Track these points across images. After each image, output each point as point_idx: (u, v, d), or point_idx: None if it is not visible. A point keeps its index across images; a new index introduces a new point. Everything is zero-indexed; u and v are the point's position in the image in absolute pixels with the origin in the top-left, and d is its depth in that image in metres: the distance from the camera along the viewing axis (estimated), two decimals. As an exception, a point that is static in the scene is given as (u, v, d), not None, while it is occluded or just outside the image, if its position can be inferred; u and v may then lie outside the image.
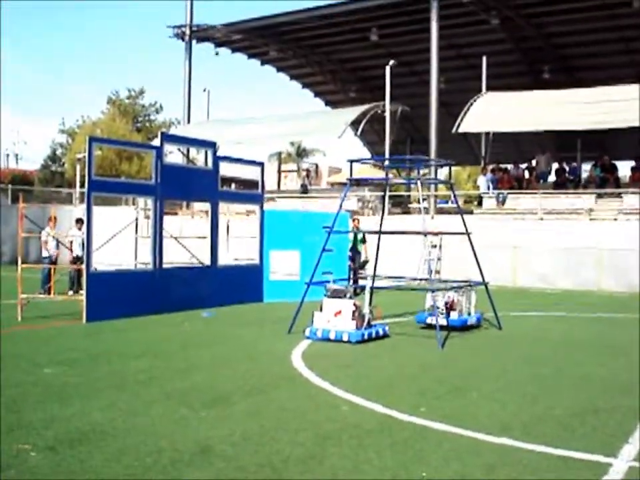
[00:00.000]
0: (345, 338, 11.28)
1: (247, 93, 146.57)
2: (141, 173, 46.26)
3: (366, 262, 19.91)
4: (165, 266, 15.30)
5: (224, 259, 17.50)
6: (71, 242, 18.48)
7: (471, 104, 27.80)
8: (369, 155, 42.63)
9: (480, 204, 28.74)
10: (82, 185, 29.28)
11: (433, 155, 27.84)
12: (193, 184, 16.17)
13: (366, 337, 11.40)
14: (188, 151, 27.49)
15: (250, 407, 7.04)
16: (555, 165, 30.36)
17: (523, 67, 36.00)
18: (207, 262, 16.48)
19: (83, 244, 15.03)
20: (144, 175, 42.63)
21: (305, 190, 35.30)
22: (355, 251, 19.51)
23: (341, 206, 13.36)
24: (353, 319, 11.48)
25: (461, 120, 26.84)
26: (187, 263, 17.33)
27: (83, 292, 13.72)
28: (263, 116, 36.89)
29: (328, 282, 12.30)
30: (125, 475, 5.04)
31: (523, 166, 31.15)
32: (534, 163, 30.80)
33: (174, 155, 32.87)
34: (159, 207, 15.03)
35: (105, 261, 15.43)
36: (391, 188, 26.74)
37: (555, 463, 5.48)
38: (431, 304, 12.63)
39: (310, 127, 32.58)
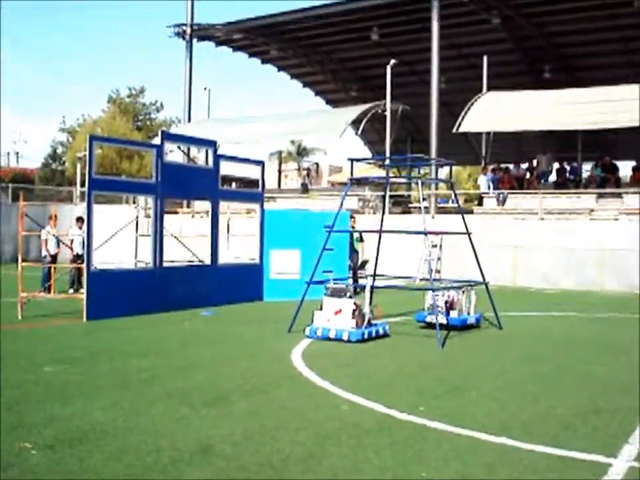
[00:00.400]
0: (345, 337, 11.28)
1: (248, 92, 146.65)
2: (141, 171, 46.30)
3: (366, 262, 19.92)
4: (165, 265, 15.30)
5: (224, 258, 17.51)
6: (72, 240, 18.48)
7: (472, 103, 27.79)
8: (369, 154, 42.66)
9: (480, 203, 28.75)
10: (82, 184, 29.25)
11: (433, 154, 27.82)
12: (194, 183, 16.18)
13: (366, 336, 11.40)
14: (188, 149, 27.48)
15: (250, 406, 7.05)
16: (556, 165, 30.37)
17: (524, 66, 35.99)
18: (207, 261, 16.49)
19: (84, 242, 15.03)
20: (144, 174, 42.68)
21: (305, 189, 35.33)
22: (352, 250, 19.50)
23: (341, 205, 13.37)
24: (353, 318, 11.49)
25: (462, 119, 26.83)
26: (187, 262, 17.34)
27: (84, 290, 13.73)
28: (264, 115, 36.90)
29: (328, 281, 12.30)
30: (125, 474, 5.05)
31: (524, 166, 31.15)
32: (535, 162, 30.80)
33: (174, 154, 32.91)
34: (160, 205, 15.03)
35: (105, 259, 15.43)
36: (392, 187, 26.73)
37: (555, 463, 5.49)
38: (430, 303, 12.64)
39: (310, 125, 32.58)
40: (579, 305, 17.96)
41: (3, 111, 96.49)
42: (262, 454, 5.55)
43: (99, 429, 6.13)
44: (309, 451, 5.67)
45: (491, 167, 30.56)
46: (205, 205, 23.58)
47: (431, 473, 5.23)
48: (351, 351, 10.64)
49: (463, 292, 13.05)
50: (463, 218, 13.83)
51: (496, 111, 27.62)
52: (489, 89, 30.09)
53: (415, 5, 30.53)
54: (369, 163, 30.95)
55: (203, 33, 36.83)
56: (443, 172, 36.75)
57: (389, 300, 16.03)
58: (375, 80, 37.47)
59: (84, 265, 13.91)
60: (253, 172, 28.38)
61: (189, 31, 36.56)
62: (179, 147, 20.57)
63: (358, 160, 15.16)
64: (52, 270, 17.01)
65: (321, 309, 11.82)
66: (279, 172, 47.64)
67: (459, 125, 26.72)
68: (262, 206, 18.17)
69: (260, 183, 18.45)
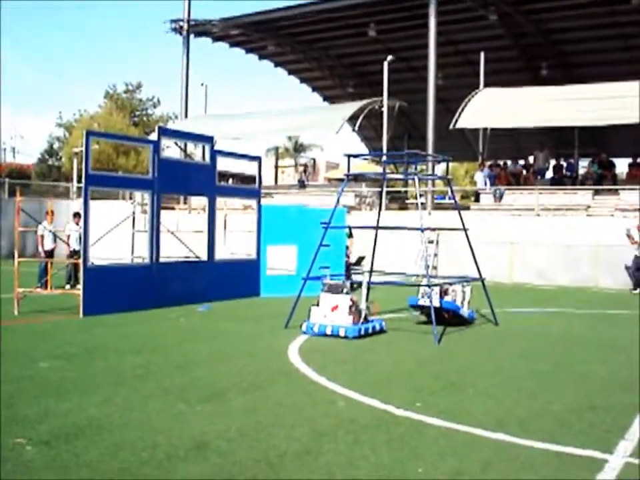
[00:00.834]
0: (342, 333, 11.28)
1: (245, 88, 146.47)
2: (138, 167, 46.23)
3: (362, 258, 19.90)
4: (161, 260, 15.29)
5: (221, 254, 17.49)
6: (68, 236, 18.44)
7: (469, 100, 27.80)
8: (366, 151, 42.63)
9: (477, 200, 28.77)
10: (79, 179, 29.26)
11: (430, 150, 27.85)
12: (190, 178, 16.16)
13: (362, 332, 11.40)
14: (185, 145, 27.49)
15: (246, 403, 7.04)
16: (553, 162, 30.40)
17: (521, 63, 35.99)
18: (204, 256, 16.47)
19: (80, 238, 15.00)
20: (141, 170, 42.62)
21: (302, 185, 35.32)
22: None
23: (338, 201, 13.35)
24: (349, 314, 11.48)
25: (459, 116, 26.84)
26: (183, 258, 17.33)
27: (80, 286, 13.71)
28: (261, 111, 36.88)
29: (325, 277, 12.29)
30: (121, 470, 5.04)
31: (521, 162, 31.18)
32: (531, 159, 30.81)
33: (171, 150, 32.89)
34: (156, 201, 15.00)
35: (102, 255, 15.41)
36: (388, 184, 26.72)
37: (551, 459, 5.49)
38: (424, 290, 12.52)
39: (307, 122, 32.57)
40: (575, 302, 17.99)
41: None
42: (258, 450, 5.54)
43: (94, 424, 6.12)
44: (305, 447, 5.66)
45: (487, 164, 30.58)
46: (201, 201, 23.56)
47: (427, 468, 5.22)
48: (347, 347, 10.63)
49: (459, 286, 13.02)
50: (460, 214, 13.83)
51: (493, 108, 27.63)
52: (486, 85, 30.10)
53: (412, 1, 30.51)
54: (366, 159, 30.98)
55: (200, 28, 36.78)
56: (440, 168, 36.83)
57: (386, 296, 16.03)
58: (372, 76, 37.44)
59: (80, 261, 13.89)
60: (249, 168, 28.43)
61: (186, 26, 36.53)
62: (175, 143, 20.60)
63: (355, 156, 15.17)
64: (48, 266, 16.97)
65: (318, 305, 11.82)
66: (276, 168, 47.63)
67: (456, 121, 26.73)
68: (259, 202, 18.16)
69: (257, 178, 18.44)
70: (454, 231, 13.83)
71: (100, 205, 19.25)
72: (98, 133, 32.72)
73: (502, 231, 23.74)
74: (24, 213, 15.19)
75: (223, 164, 21.62)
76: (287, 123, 32.82)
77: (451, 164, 39.40)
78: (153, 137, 15.44)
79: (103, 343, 10.44)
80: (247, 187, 24.20)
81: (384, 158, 17.68)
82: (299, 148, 66.14)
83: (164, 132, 16.89)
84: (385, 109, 30.25)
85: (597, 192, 25.81)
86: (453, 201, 15.53)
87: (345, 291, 11.74)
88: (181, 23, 36.64)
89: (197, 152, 36.46)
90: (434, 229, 14.12)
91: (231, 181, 44.49)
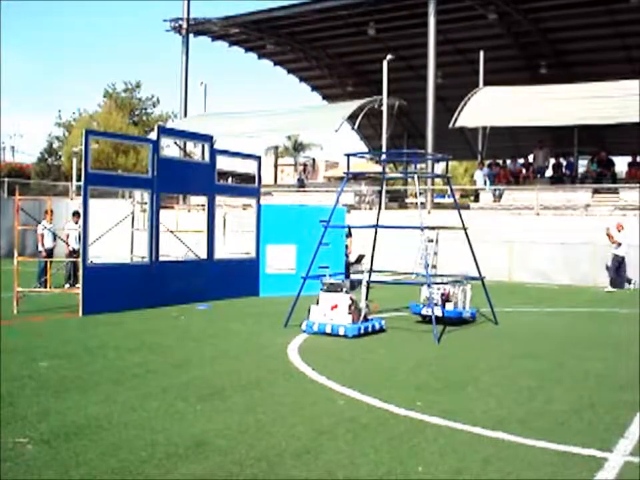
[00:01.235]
0: (341, 332, 11.28)
1: (244, 87, 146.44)
2: (137, 166, 46.16)
3: (362, 256, 19.89)
4: (161, 259, 15.28)
5: (220, 253, 17.48)
6: (68, 235, 18.44)
7: (468, 98, 27.79)
8: (365, 150, 42.63)
9: (477, 199, 28.77)
10: (78, 178, 29.24)
11: (429, 149, 27.85)
12: (190, 177, 16.15)
13: (362, 331, 11.40)
14: (185, 144, 27.47)
15: (246, 401, 7.04)
16: (552, 160, 30.39)
17: (520, 62, 35.97)
18: (204, 255, 16.46)
19: (80, 237, 15.00)
20: (140, 169, 42.55)
21: (301, 184, 35.31)
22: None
23: (337, 200, 13.35)
24: (349, 313, 11.48)
25: (458, 114, 26.83)
26: (183, 257, 17.32)
27: (79, 285, 13.70)
28: (260, 110, 36.85)
29: (324, 276, 12.29)
30: (120, 469, 5.03)
31: (521, 161, 31.18)
32: (531, 158, 30.81)
33: (171, 149, 32.88)
34: (156, 200, 14.99)
35: (101, 254, 15.41)
36: (388, 182, 26.72)
37: (551, 458, 5.49)
38: (426, 295, 12.62)
39: (307, 121, 32.58)
40: (574, 301, 17.99)
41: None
42: (257, 449, 5.54)
43: (94, 423, 6.12)
44: (305, 445, 5.66)
45: (487, 162, 30.58)
46: (201, 200, 23.55)
47: (427, 467, 5.22)
48: (347, 345, 10.63)
49: (459, 287, 13.06)
50: (459, 213, 13.83)
51: (492, 106, 27.61)
52: (485, 84, 30.09)
53: (411, 0, 30.48)
54: (365, 158, 30.97)
55: (199, 27, 36.76)
56: (439, 167, 36.78)
57: (385, 295, 16.03)
58: (371, 75, 37.45)
59: (80, 260, 13.88)
60: (249, 167, 28.43)
61: (185, 25, 36.51)
62: (175, 142, 20.57)
63: (354, 155, 15.16)
64: (48, 264, 16.97)
65: (318, 304, 11.81)
66: (275, 167, 47.67)
67: (455, 120, 26.72)
68: (258, 201, 18.15)
69: (256, 177, 18.43)
70: (454, 230, 13.82)
71: (99, 203, 19.24)
72: (97, 132, 32.69)
73: (501, 230, 23.73)
74: (23, 212, 15.19)
75: (223, 163, 21.62)
76: (286, 122, 32.82)
77: (450, 163, 39.48)
78: (153, 136, 15.45)
79: (102, 341, 10.43)
80: (246, 186, 24.20)
81: (383, 157, 17.69)
82: (298, 147, 66.17)
83: (163, 131, 16.88)
84: (384, 108, 30.23)
85: (596, 191, 25.81)
86: (452, 200, 15.53)
87: (344, 289, 11.74)
88: (181, 22, 36.62)
89: (196, 151, 36.44)
90: (433, 228, 14.10)
91: (230, 179, 44.49)
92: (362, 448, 5.62)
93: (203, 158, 21.91)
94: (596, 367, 9.21)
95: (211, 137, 17.53)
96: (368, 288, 12.17)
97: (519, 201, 25.89)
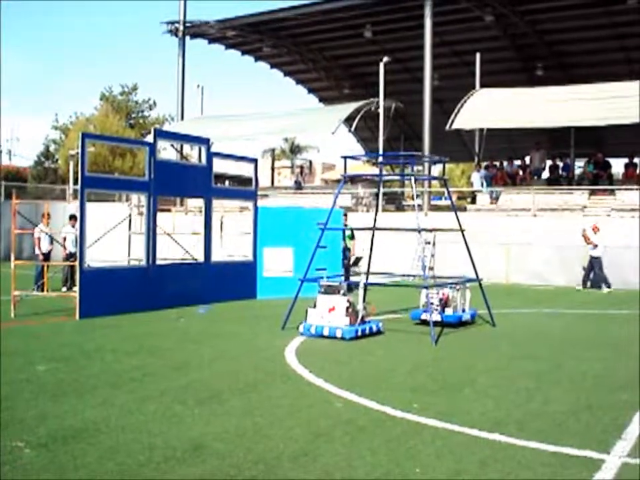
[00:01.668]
0: (339, 334, 11.28)
1: (241, 90, 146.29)
2: (134, 169, 46.14)
3: (359, 259, 19.91)
4: (158, 262, 15.27)
5: (217, 256, 17.48)
6: (65, 238, 18.42)
7: (465, 100, 27.82)
8: (362, 152, 42.64)
9: (474, 201, 28.79)
10: (75, 182, 29.21)
11: (426, 151, 27.87)
12: (187, 180, 16.14)
13: (359, 333, 11.40)
14: (181, 147, 27.49)
15: (244, 404, 7.04)
16: (549, 162, 30.41)
17: (517, 63, 36.05)
18: (201, 258, 16.46)
19: (77, 240, 14.99)
20: (137, 172, 42.54)
21: (298, 186, 35.31)
22: (344, 247, 19.49)
23: (334, 202, 13.36)
24: (346, 315, 11.49)
25: (455, 116, 26.85)
26: (180, 260, 17.31)
27: (77, 288, 13.69)
28: (257, 112, 36.85)
29: (322, 278, 12.29)
30: (118, 472, 5.04)
31: (517, 162, 31.20)
32: (527, 159, 30.83)
33: (167, 152, 32.87)
34: (152, 203, 14.99)
35: (98, 257, 15.40)
36: (385, 185, 26.74)
37: (549, 459, 5.49)
38: (425, 301, 12.64)
39: (304, 123, 32.56)
40: (571, 302, 18.01)
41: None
42: (255, 452, 5.54)
43: (91, 427, 6.12)
44: (303, 448, 5.67)
45: (484, 164, 30.59)
46: (198, 203, 23.55)
47: (424, 469, 5.23)
48: (344, 348, 10.63)
49: (458, 289, 13.07)
50: (456, 215, 13.84)
51: (489, 108, 27.65)
52: (482, 86, 30.12)
53: (408, 2, 30.53)
54: (362, 160, 30.96)
55: (195, 30, 36.76)
56: (436, 169, 36.80)
57: (383, 297, 16.04)
58: (368, 77, 37.49)
59: (77, 263, 13.87)
60: (246, 169, 28.40)
61: (181, 28, 36.49)
62: (171, 145, 20.57)
63: (351, 157, 15.16)
64: (45, 268, 16.95)
65: (315, 307, 11.82)
66: (272, 169, 47.64)
67: (452, 122, 26.74)
68: (255, 203, 18.15)
69: (253, 180, 18.43)
70: (451, 232, 13.83)
71: (96, 207, 19.24)
72: (94, 135, 32.64)
73: (498, 232, 23.74)
74: (20, 215, 15.17)
75: (219, 166, 21.61)
76: (283, 124, 32.81)
77: (447, 165, 39.46)
78: (149, 139, 15.44)
79: (99, 345, 10.42)
80: (243, 188, 24.20)
81: (380, 159, 17.67)
82: (295, 149, 66.13)
83: (160, 134, 16.86)
84: (381, 110, 30.26)
85: (593, 192, 25.85)
86: (449, 202, 15.54)
87: (341, 292, 11.75)
88: (177, 25, 36.61)
89: (193, 154, 36.41)
90: (431, 230, 14.12)
91: (227, 182, 44.49)
92: (359, 450, 5.62)
93: (200, 161, 21.89)
94: (593, 368, 9.22)
95: (208, 140, 17.53)
96: (365, 290, 12.18)
97: (516, 203, 25.95)
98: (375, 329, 11.83)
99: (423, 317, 12.76)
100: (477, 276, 13.40)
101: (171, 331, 12.11)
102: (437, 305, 12.68)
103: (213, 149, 19.15)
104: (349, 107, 31.75)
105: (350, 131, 38.73)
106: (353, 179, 30.24)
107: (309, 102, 44.69)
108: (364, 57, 36.97)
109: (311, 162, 65.57)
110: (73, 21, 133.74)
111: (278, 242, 17.80)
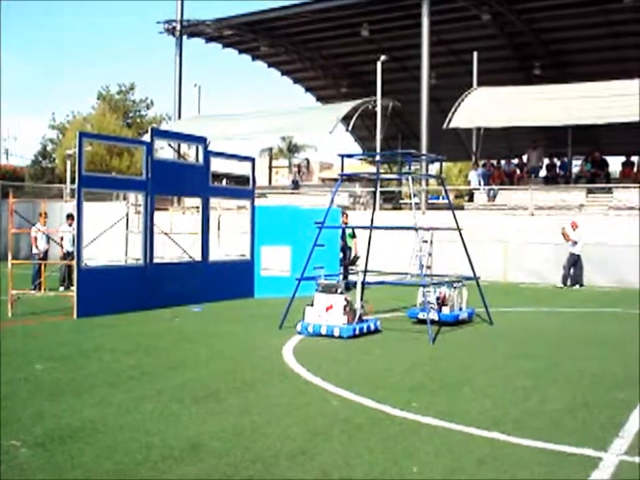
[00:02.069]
0: (336, 333, 11.28)
1: (238, 89, 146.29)
2: (131, 168, 46.09)
3: (357, 257, 19.91)
4: (155, 261, 15.26)
5: (215, 255, 17.46)
6: (62, 238, 18.41)
7: (462, 99, 27.83)
8: (360, 151, 42.65)
9: (471, 199, 28.80)
10: (72, 181, 29.16)
11: (424, 150, 27.86)
12: (184, 179, 16.13)
13: (357, 332, 11.40)
14: (179, 146, 27.44)
15: (241, 403, 7.03)
16: (546, 160, 30.44)
17: (514, 62, 36.05)
18: (198, 257, 16.45)
19: (74, 240, 14.98)
20: (134, 171, 42.49)
21: (296, 186, 35.30)
22: (345, 246, 19.51)
23: (332, 201, 13.36)
24: (344, 314, 11.48)
25: (452, 115, 26.87)
26: (177, 259, 17.30)
27: (74, 288, 13.67)
28: (254, 111, 36.83)
29: (319, 277, 12.28)
30: (115, 471, 5.03)
31: (515, 161, 31.23)
32: (525, 158, 30.86)
33: (165, 151, 32.84)
34: (150, 202, 14.98)
35: (95, 256, 15.38)
36: (382, 183, 26.73)
37: (546, 457, 5.49)
38: (422, 299, 12.64)
39: (301, 122, 32.57)
40: (569, 300, 18.02)
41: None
42: (253, 450, 5.53)
43: (89, 426, 6.11)
44: (300, 446, 5.66)
45: (481, 163, 30.61)
46: (195, 202, 23.54)
47: (422, 467, 5.23)
48: (342, 347, 10.63)
49: (455, 288, 13.07)
50: (454, 213, 13.84)
51: (486, 107, 27.65)
52: (479, 84, 30.13)
53: (405, 0, 30.52)
54: (360, 159, 31.00)
55: (192, 29, 36.73)
56: (434, 168, 36.84)
57: (380, 296, 16.04)
58: (365, 76, 37.45)
59: (74, 262, 13.85)
60: (243, 169, 28.36)
61: (178, 27, 36.47)
62: (169, 144, 20.52)
63: (348, 156, 15.17)
64: (42, 267, 16.94)
65: (312, 305, 11.81)
66: (270, 168, 47.60)
67: (450, 120, 26.75)
68: (252, 202, 18.14)
69: (250, 179, 18.42)
70: (448, 230, 13.83)
71: (93, 206, 19.22)
72: (91, 135, 32.64)
73: (496, 230, 23.75)
74: (17, 214, 15.16)
75: (217, 165, 21.60)
76: (280, 123, 32.81)
77: (444, 163, 39.46)
78: (146, 138, 15.41)
79: (97, 344, 10.41)
80: (240, 187, 24.19)
81: (377, 158, 17.69)
82: (292, 148, 66.15)
83: (157, 133, 16.85)
84: (378, 109, 30.27)
85: (590, 191, 25.87)
86: (446, 201, 15.55)
87: (339, 290, 11.74)
88: (174, 24, 36.59)
89: (190, 153, 36.39)
90: (428, 229, 14.13)
91: (224, 181, 44.48)
92: (357, 449, 5.62)
93: (197, 160, 21.85)
94: (591, 366, 9.22)
95: (205, 139, 17.51)
96: (363, 289, 12.17)
97: (514, 201, 25.96)
98: (372, 327, 11.82)
99: (421, 315, 12.76)
100: (475, 274, 13.41)
101: (168, 330, 12.09)
102: (434, 304, 12.69)
103: (210, 148, 19.11)
104: (346, 106, 31.77)
105: (347, 129, 38.67)
106: (351, 178, 30.25)
107: (306, 101, 44.66)
108: (361, 55, 36.94)
109: (308, 161, 65.38)
110: (71, 21, 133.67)
111: (275, 241, 17.79)
